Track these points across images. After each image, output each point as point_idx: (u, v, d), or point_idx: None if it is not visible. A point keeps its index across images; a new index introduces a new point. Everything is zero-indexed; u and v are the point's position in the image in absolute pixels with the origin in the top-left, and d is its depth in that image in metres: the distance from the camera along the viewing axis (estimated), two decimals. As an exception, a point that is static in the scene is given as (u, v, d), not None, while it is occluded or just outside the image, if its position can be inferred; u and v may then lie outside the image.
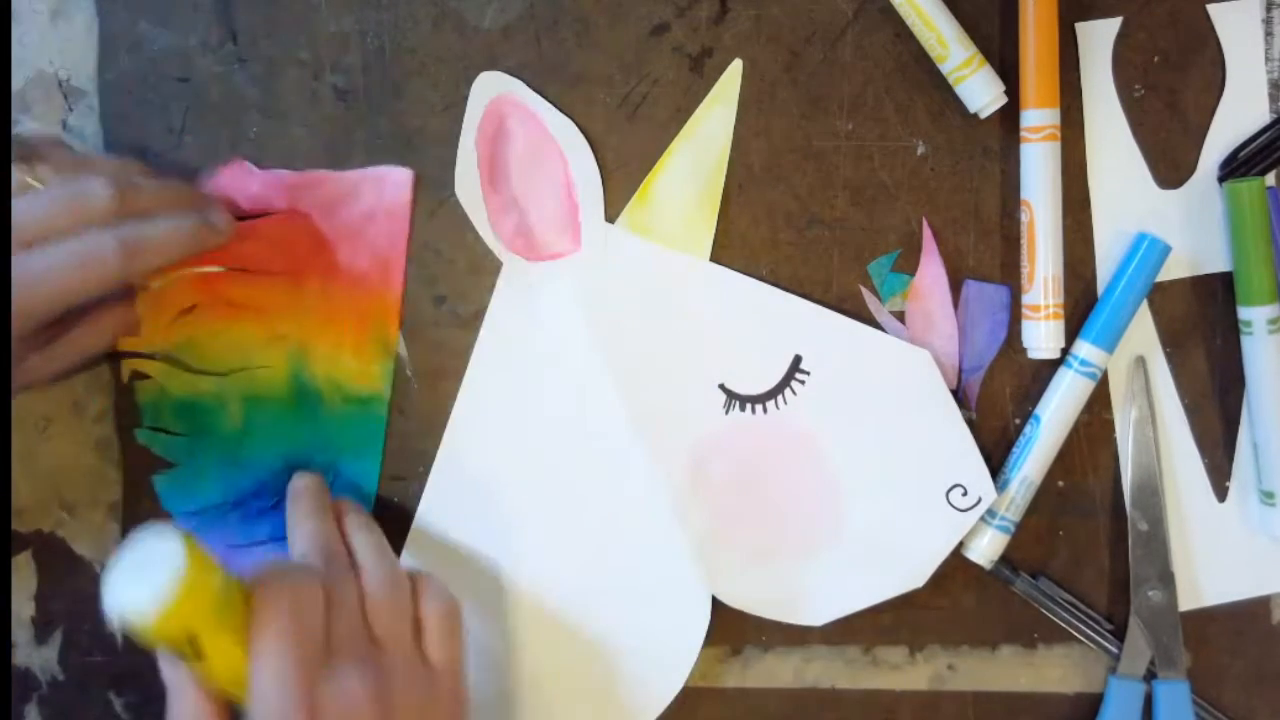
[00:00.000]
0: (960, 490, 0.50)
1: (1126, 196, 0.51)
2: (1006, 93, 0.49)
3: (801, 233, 0.51)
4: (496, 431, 0.52)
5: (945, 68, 0.49)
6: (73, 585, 0.54)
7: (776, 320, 0.51)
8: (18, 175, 0.46)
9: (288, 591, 0.41)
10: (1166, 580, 0.51)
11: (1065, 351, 0.50)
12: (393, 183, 0.52)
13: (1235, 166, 0.50)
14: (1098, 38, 0.50)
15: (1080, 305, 0.51)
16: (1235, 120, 0.50)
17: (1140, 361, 0.51)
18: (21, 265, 0.42)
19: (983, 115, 0.50)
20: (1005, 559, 0.51)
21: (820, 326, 0.51)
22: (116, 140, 0.52)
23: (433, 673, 0.45)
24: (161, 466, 0.53)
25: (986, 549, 0.51)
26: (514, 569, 0.52)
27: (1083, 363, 0.50)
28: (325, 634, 0.41)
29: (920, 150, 0.51)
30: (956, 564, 0.51)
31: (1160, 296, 0.51)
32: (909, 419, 0.50)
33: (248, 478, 0.53)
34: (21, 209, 0.44)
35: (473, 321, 0.52)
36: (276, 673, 0.39)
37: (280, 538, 0.53)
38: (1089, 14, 0.50)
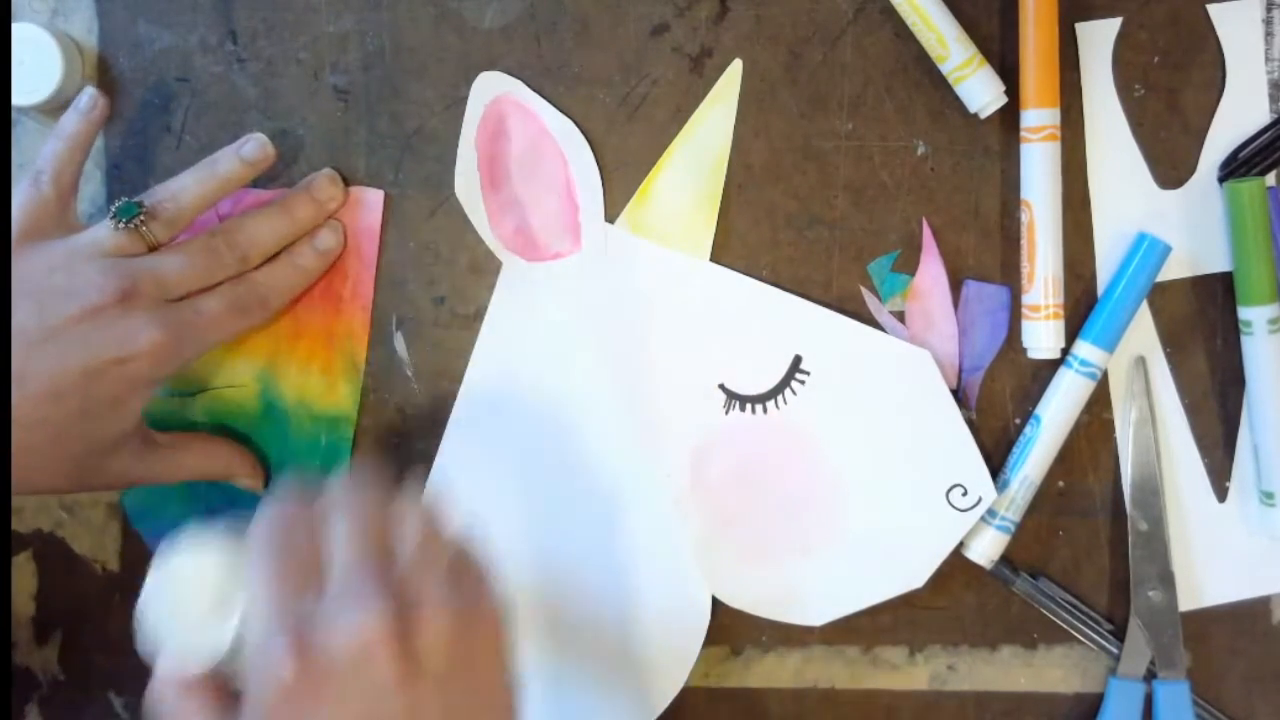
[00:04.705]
0: (960, 490, 0.50)
1: (1126, 196, 0.51)
2: (1006, 93, 0.49)
3: (801, 233, 0.51)
4: (496, 431, 0.52)
5: (945, 68, 0.49)
6: (73, 585, 0.54)
7: (776, 320, 0.51)
8: (128, 237, 0.47)
9: (272, 519, 0.39)
10: (1166, 580, 0.51)
11: (1065, 351, 0.50)
12: (365, 204, 0.52)
13: (1235, 166, 0.50)
14: (1098, 38, 0.50)
15: (1080, 305, 0.51)
16: (1235, 120, 0.50)
17: (1140, 361, 0.51)
18: (187, 311, 0.46)
19: (983, 115, 0.50)
20: (1005, 559, 0.51)
21: (820, 326, 0.51)
22: (116, 141, 0.52)
23: (471, 613, 0.39)
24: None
25: (986, 549, 0.50)
26: (514, 569, 0.52)
27: (1083, 363, 0.50)
28: (316, 559, 0.38)
29: (920, 150, 0.51)
30: (956, 564, 0.51)
31: (1160, 296, 0.51)
32: (909, 419, 0.50)
33: (214, 497, 0.53)
34: (167, 265, 0.46)
35: (473, 321, 0.52)
36: (258, 600, 0.37)
37: None
38: (1089, 14, 0.50)
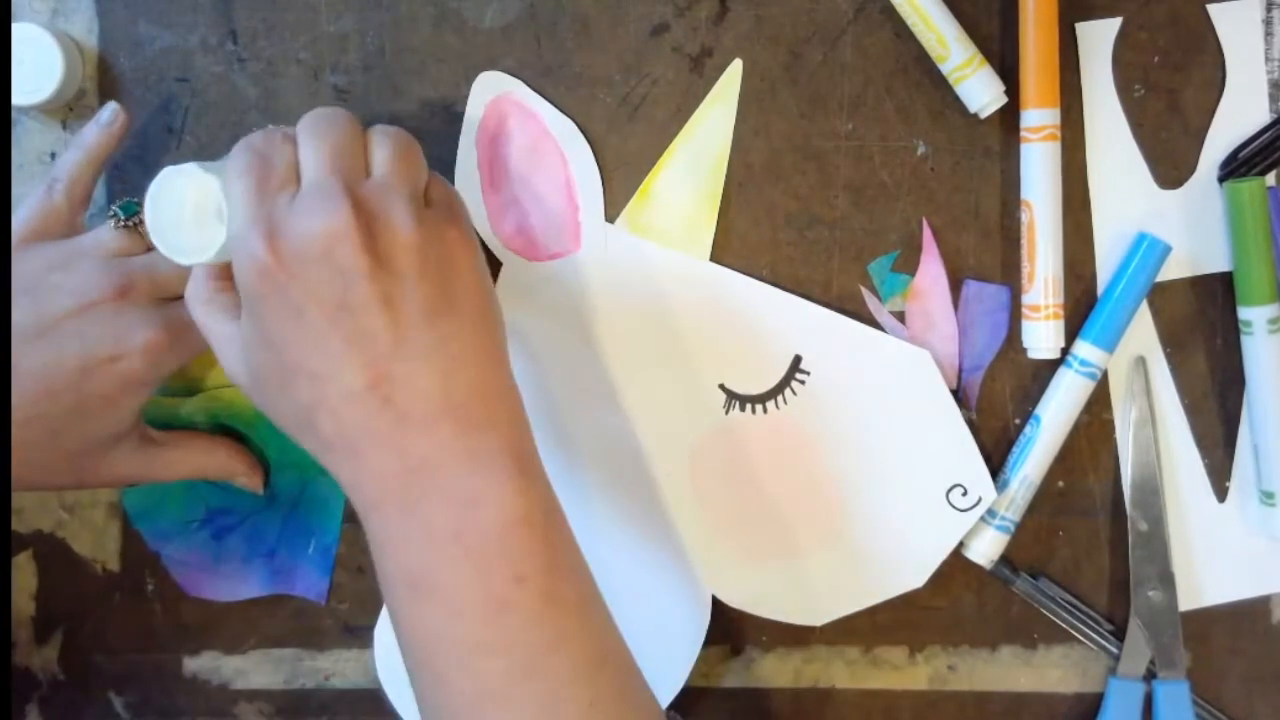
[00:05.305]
0: (960, 490, 0.50)
1: (1126, 196, 0.51)
2: (1006, 93, 0.49)
3: (801, 233, 0.51)
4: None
5: (945, 68, 0.49)
6: (73, 585, 0.54)
7: (776, 320, 0.51)
8: (128, 237, 0.47)
9: (252, 136, 0.42)
10: (1166, 580, 0.51)
11: (1065, 351, 0.50)
12: None
13: (1235, 166, 0.50)
14: (1098, 38, 0.50)
15: (1080, 305, 0.51)
16: (1235, 120, 0.50)
17: (1140, 361, 0.51)
18: (183, 311, 0.45)
19: (983, 115, 0.50)
20: (1005, 559, 0.51)
21: (820, 326, 0.51)
22: (116, 140, 0.52)
23: (439, 226, 0.41)
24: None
25: (986, 549, 0.51)
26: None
27: (1083, 363, 0.50)
28: (291, 171, 0.40)
29: (920, 150, 0.51)
30: (956, 564, 0.51)
31: (1160, 296, 0.51)
32: (909, 419, 0.50)
33: (215, 496, 0.53)
34: (164, 263, 0.46)
35: (473, 321, 0.52)
36: (235, 198, 0.40)
37: (251, 556, 0.53)
38: (1089, 14, 0.50)
